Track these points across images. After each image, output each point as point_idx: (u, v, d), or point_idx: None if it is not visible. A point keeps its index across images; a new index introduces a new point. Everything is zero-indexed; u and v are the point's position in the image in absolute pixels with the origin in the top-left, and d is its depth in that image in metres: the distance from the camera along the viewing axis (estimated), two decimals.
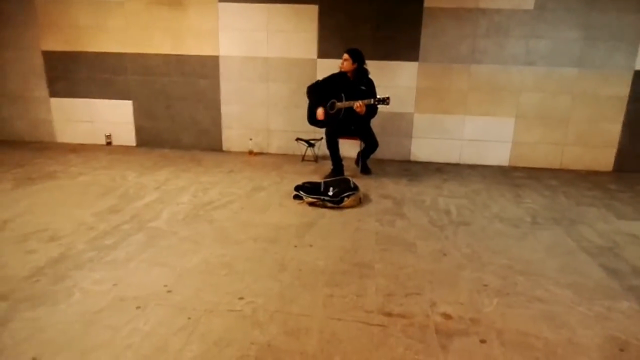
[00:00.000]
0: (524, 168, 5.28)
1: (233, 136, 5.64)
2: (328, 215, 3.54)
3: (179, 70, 5.48)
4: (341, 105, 4.46)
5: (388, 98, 4.24)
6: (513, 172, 5.12)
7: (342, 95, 4.47)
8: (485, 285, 2.48)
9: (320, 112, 4.51)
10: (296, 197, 3.87)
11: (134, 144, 5.82)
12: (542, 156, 5.28)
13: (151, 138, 5.76)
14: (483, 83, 5.11)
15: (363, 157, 4.79)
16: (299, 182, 4.01)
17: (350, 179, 4.03)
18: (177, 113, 5.64)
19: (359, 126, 4.57)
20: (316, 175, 4.70)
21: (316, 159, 5.30)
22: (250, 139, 5.49)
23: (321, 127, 4.72)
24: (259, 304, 2.22)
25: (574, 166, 5.28)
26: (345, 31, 5.12)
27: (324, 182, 4.00)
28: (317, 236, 3.12)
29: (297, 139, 5.27)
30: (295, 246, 2.94)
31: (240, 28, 5.26)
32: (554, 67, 4.98)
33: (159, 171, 4.68)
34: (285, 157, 5.46)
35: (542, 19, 4.85)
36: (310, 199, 3.75)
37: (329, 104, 4.56)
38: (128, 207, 3.57)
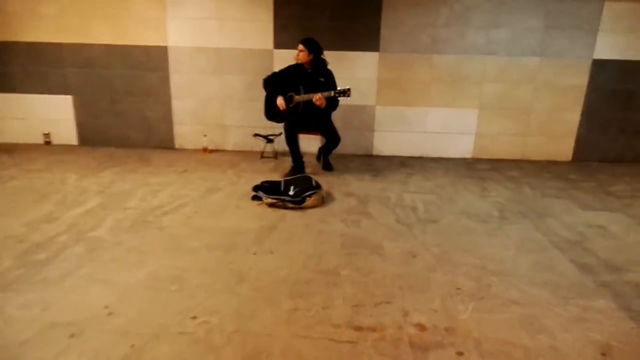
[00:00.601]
0: (487, 160, 5.26)
1: (186, 132, 5.31)
2: (289, 217, 3.33)
3: (124, 61, 5.09)
4: (300, 98, 4.25)
5: (349, 89, 4.07)
6: (476, 164, 5.08)
7: (301, 87, 4.26)
8: (459, 289, 2.36)
9: (280, 102, 4.27)
10: (255, 197, 3.64)
11: (75, 142, 5.38)
12: (505, 147, 5.28)
13: (95, 136, 5.33)
14: (445, 74, 5.03)
15: (324, 153, 4.60)
16: (258, 182, 3.79)
17: (312, 176, 3.83)
18: (124, 108, 5.24)
19: (319, 120, 4.38)
20: (276, 173, 4.47)
21: (275, 155, 5.07)
22: (205, 136, 5.19)
23: (279, 122, 4.50)
24: (214, 323, 1.99)
25: (535, 156, 5.31)
26: (303, 20, 4.89)
27: (284, 181, 3.79)
28: (278, 241, 2.91)
29: (255, 135, 5.02)
30: (255, 253, 2.72)
31: (189, 16, 4.93)
32: (515, 56, 4.97)
33: (103, 172, 4.31)
34: (243, 154, 5.20)
35: (502, 8, 4.81)
36: (269, 200, 3.52)
37: (287, 98, 4.33)
38: (66, 215, 3.22)
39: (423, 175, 4.57)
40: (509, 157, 5.31)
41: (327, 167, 4.62)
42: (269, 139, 4.98)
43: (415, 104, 5.14)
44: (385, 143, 5.29)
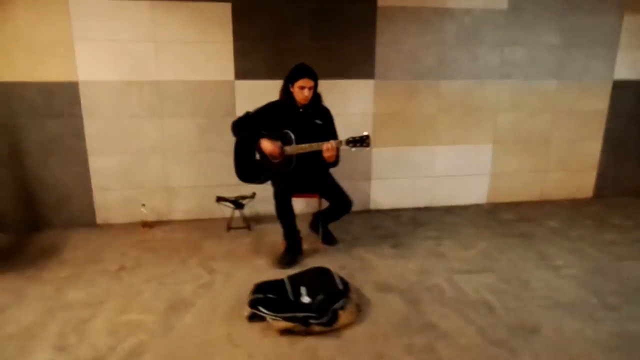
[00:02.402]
0: (505, 204, 4.41)
1: (112, 201, 3.83)
2: (323, 356, 2.10)
3: (9, 107, 3.52)
4: (292, 150, 3.05)
5: (367, 137, 2.97)
6: (499, 213, 4.20)
7: (290, 134, 3.07)
8: None
9: (269, 146, 3.03)
10: (254, 316, 2.37)
11: None
12: (522, 187, 4.49)
13: None
14: (455, 103, 4.14)
15: (324, 221, 3.40)
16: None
17: (335, 273, 2.64)
18: (12, 175, 3.63)
19: (319, 179, 3.21)
20: (259, 255, 3.21)
21: (248, 225, 3.76)
22: (143, 205, 3.75)
23: (261, 182, 3.25)
24: None
25: (555, 195, 4.58)
26: (273, 40, 3.73)
27: (290, 280, 2.58)
28: None
29: (218, 200, 3.68)
30: None
31: (109, 38, 3.53)
32: (532, 79, 4.21)
33: None
34: (200, 225, 3.82)
35: (517, 22, 4.03)
36: (281, 324, 2.27)
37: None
38: None
39: (453, 238, 3.57)
40: (528, 199, 4.52)
41: (329, 240, 3.43)
42: (238, 204, 3.68)
43: (420, 142, 4.17)
44: (385, 194, 4.24)
